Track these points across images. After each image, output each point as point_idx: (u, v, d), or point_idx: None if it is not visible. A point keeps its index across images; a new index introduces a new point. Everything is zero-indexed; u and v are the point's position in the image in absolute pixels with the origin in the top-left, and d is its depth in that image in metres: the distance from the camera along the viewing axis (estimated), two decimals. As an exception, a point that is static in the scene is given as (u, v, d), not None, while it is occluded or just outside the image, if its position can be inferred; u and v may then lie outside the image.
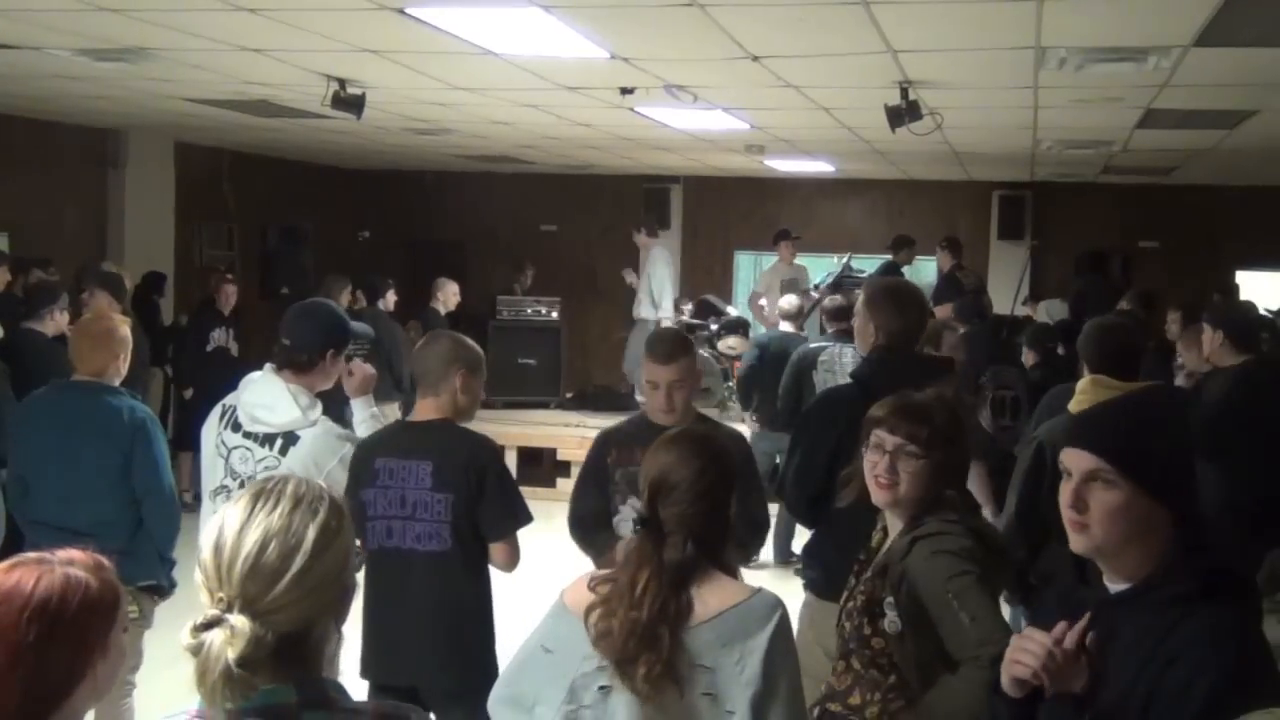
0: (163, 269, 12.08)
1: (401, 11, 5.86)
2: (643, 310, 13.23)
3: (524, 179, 16.14)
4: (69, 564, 2.07)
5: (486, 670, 3.98)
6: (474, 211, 16.23)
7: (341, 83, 8.04)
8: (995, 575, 3.18)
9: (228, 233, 14.48)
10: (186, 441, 10.66)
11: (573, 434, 12.02)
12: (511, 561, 4.28)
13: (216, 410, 4.41)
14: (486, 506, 4.20)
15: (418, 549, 4.15)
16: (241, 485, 4.17)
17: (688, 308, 14.06)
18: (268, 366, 4.30)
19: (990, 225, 15.30)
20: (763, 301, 12.99)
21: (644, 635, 2.68)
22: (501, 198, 16.26)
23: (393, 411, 10.75)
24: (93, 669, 2.05)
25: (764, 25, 6.02)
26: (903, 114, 7.57)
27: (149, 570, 4.91)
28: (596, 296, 16.22)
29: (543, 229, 16.33)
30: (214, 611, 1.91)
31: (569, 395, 14.20)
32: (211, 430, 4.39)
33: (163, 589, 5.01)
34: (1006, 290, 13.81)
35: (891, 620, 3.13)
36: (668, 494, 2.78)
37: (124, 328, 5.22)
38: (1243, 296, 12.61)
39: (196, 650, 1.89)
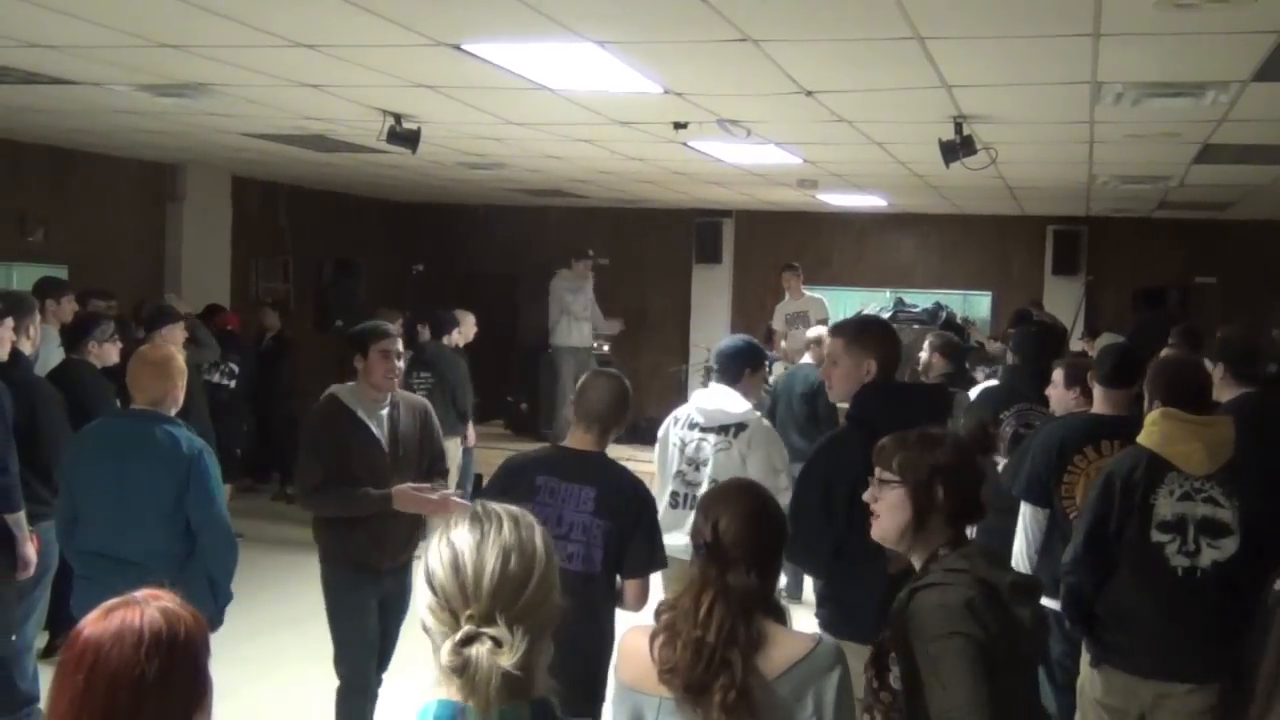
0: (219, 302, 12.21)
1: (457, 47, 5.91)
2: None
3: (576, 212, 16.20)
4: (156, 599, 2.09)
5: (601, 689, 4.31)
6: (526, 245, 16.31)
7: (397, 118, 8.11)
8: (1003, 635, 2.93)
9: (283, 266, 14.61)
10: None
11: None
12: (641, 601, 4.41)
13: (670, 418, 6.13)
14: (636, 543, 4.30)
15: (566, 567, 4.14)
16: (696, 468, 5.88)
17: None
18: (712, 383, 6.22)
19: (1045, 260, 15.20)
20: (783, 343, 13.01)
21: (712, 660, 2.64)
22: (553, 231, 16.32)
23: (454, 446, 10.77)
24: (204, 704, 2.07)
25: (817, 60, 6.03)
26: (957, 149, 7.53)
27: (198, 603, 4.89)
28: (648, 330, 16.23)
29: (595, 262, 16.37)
30: (469, 628, 1.97)
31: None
32: (668, 432, 6.06)
33: (211, 623, 5.00)
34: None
35: (895, 675, 3.04)
36: (728, 524, 2.79)
37: (180, 357, 5.25)
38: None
39: (462, 668, 1.95)
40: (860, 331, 4.67)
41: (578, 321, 13.12)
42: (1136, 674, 4.43)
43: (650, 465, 6.25)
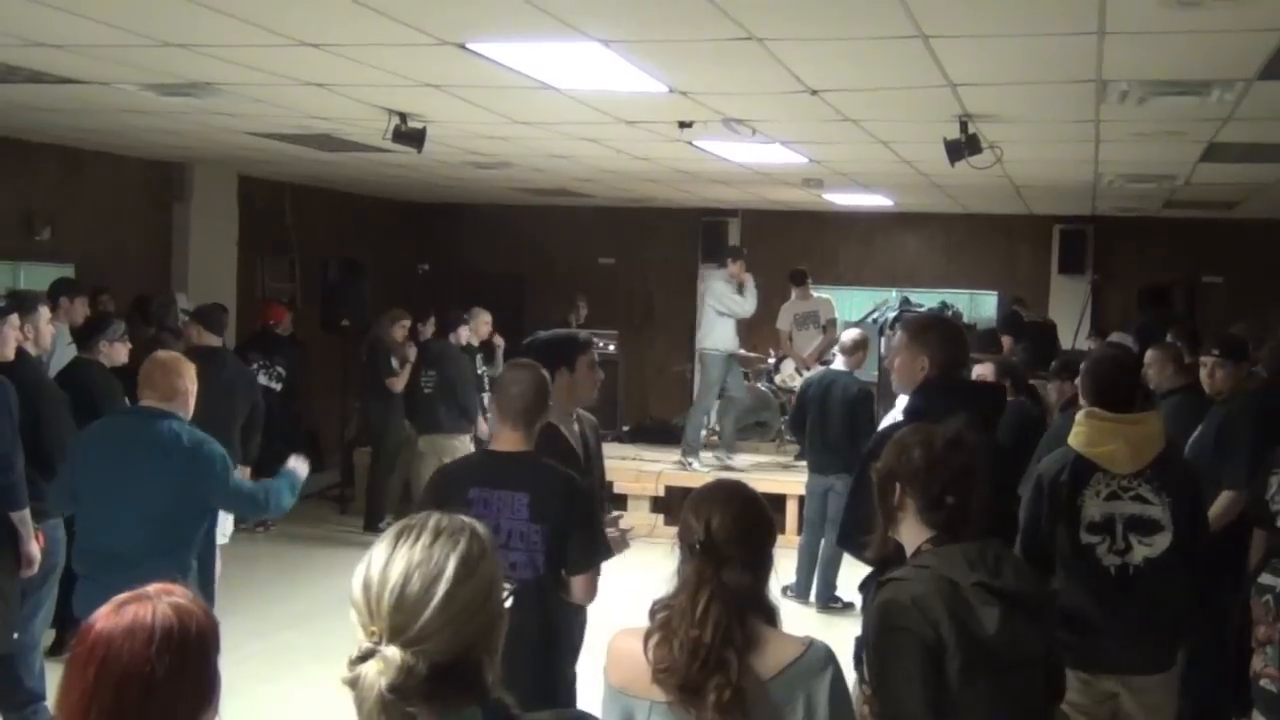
0: (225, 301, 12.22)
1: (462, 46, 5.92)
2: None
3: (581, 212, 16.19)
4: (167, 594, 2.07)
5: (570, 692, 4.33)
6: (532, 244, 16.31)
7: (403, 117, 8.11)
8: (961, 635, 2.92)
9: (289, 265, 14.63)
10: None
11: (630, 467, 12.01)
12: (590, 594, 4.40)
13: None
14: (576, 540, 4.28)
15: (511, 576, 4.14)
16: None
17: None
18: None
19: (1051, 259, 15.18)
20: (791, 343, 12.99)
21: (709, 658, 2.63)
22: (559, 231, 16.32)
23: (464, 444, 10.78)
24: (213, 701, 2.06)
25: (823, 59, 6.03)
26: (962, 148, 7.53)
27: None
28: (654, 329, 16.23)
29: (600, 262, 16.37)
30: (367, 645, 1.93)
31: (626, 428, 14.22)
32: None
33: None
34: (1068, 325, 13.69)
35: (864, 674, 3.07)
36: (720, 523, 2.78)
37: (188, 362, 5.28)
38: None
39: (353, 683, 1.92)
40: (920, 330, 4.69)
41: (737, 324, 12.18)
42: (1089, 670, 4.46)
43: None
